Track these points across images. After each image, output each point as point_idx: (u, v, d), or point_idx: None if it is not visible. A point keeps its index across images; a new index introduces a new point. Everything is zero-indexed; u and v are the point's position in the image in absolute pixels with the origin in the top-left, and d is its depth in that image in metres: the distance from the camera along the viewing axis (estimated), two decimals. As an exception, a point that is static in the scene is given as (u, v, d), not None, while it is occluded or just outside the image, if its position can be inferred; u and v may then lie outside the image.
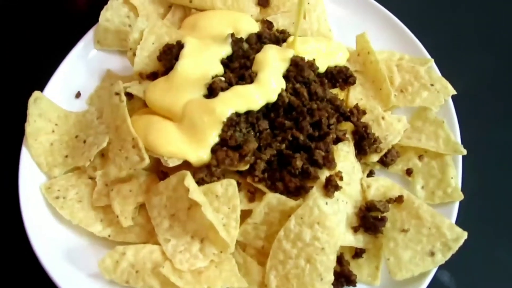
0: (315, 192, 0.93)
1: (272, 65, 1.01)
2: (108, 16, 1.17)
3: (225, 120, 0.94)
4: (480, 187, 1.09)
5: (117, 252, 0.89)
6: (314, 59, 1.06)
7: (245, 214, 0.94)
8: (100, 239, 0.96)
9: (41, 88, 1.10)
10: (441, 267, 0.93)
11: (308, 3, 1.25)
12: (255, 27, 1.15)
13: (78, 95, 1.14)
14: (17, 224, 0.95)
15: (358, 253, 0.97)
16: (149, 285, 0.88)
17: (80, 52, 1.17)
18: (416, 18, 1.25)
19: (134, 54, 1.09)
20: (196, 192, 0.87)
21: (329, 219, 0.89)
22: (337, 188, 0.93)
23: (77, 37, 1.18)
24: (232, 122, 0.95)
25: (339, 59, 1.14)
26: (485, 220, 1.08)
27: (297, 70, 1.02)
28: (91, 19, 1.19)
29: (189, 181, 0.87)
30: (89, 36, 1.18)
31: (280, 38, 1.13)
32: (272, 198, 0.93)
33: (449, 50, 1.25)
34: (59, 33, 1.30)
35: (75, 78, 1.15)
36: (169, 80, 1.01)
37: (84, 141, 1.04)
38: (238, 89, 0.97)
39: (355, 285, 0.93)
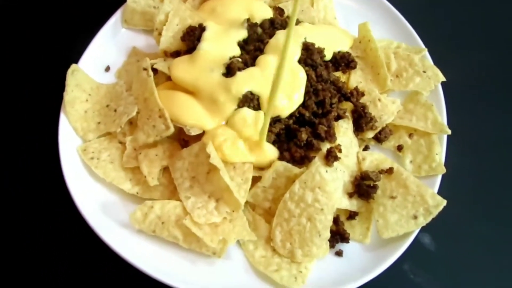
0: (317, 161, 1.05)
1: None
2: (135, -3, 1.29)
3: (240, 97, 1.07)
4: (461, 163, 1.19)
5: (146, 206, 1.02)
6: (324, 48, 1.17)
7: (256, 179, 1.06)
8: (129, 195, 1.08)
9: (75, 61, 1.20)
10: (424, 231, 1.04)
11: (317, -8, 1.36)
12: (269, 13, 1.25)
13: (107, 69, 1.25)
14: (59, 182, 1.07)
15: (352, 215, 1.09)
16: (173, 235, 1.01)
17: (110, 30, 1.27)
18: (414, 11, 1.34)
19: (160, 34, 1.20)
20: (216, 158, 1.00)
21: (328, 185, 1.02)
22: (336, 158, 1.05)
23: (106, 16, 1.28)
24: (247, 99, 1.07)
25: (343, 46, 1.25)
26: (464, 192, 1.20)
27: (308, 54, 1.14)
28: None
29: (211, 148, 1.01)
30: (117, 15, 1.28)
31: (290, 24, 1.24)
32: (280, 166, 1.05)
33: (442, 41, 1.35)
34: (90, 11, 1.40)
35: (105, 54, 1.25)
36: (193, 59, 1.12)
37: (115, 110, 1.15)
38: (253, 71, 1.09)
39: (348, 242, 1.06)
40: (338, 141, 1.10)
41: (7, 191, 1.20)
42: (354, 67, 1.25)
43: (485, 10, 1.50)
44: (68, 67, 1.18)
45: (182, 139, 1.12)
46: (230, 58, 1.13)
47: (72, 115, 1.14)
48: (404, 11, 1.35)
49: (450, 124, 1.18)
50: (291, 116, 1.10)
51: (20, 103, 1.30)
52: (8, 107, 1.30)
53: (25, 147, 1.24)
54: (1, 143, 1.26)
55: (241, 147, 1.05)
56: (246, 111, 1.06)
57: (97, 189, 1.09)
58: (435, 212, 1.04)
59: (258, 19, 1.23)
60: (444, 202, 1.05)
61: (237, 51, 1.15)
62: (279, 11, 1.31)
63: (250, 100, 1.07)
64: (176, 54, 1.21)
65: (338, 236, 1.07)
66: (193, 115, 1.08)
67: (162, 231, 1.02)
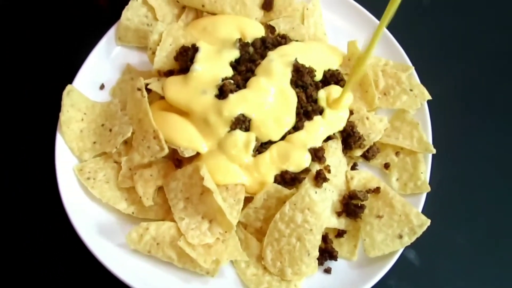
0: (307, 183, 1.08)
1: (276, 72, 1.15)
2: (129, 15, 1.29)
3: (233, 119, 1.10)
4: (447, 182, 1.25)
5: (142, 227, 1.05)
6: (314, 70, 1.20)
7: (248, 200, 1.10)
8: (125, 215, 1.11)
9: (69, 79, 1.22)
10: (408, 247, 1.08)
11: (307, 9, 1.39)
12: (260, 31, 1.27)
13: (102, 87, 1.27)
14: (56, 202, 1.10)
15: (340, 233, 1.13)
16: (168, 255, 1.04)
17: (103, 47, 1.29)
18: (402, 28, 1.36)
19: (153, 53, 1.22)
20: (209, 180, 1.04)
21: (317, 206, 1.06)
22: (325, 180, 1.09)
23: (99, 33, 1.30)
24: (239, 121, 1.10)
25: (333, 64, 1.28)
26: (447, 209, 1.24)
27: (298, 76, 1.17)
28: (111, 16, 1.31)
29: (204, 171, 1.04)
30: (111, 33, 1.30)
31: (282, 43, 1.26)
32: (271, 187, 1.09)
33: (428, 59, 1.38)
34: (82, 29, 1.41)
35: (99, 71, 1.27)
36: (186, 80, 1.15)
37: (110, 130, 1.18)
38: (245, 94, 1.11)
39: (336, 260, 1.10)
40: (327, 162, 1.13)
41: (3, 205, 1.22)
42: (343, 85, 1.28)
43: (471, 26, 1.54)
44: (62, 84, 1.20)
45: (176, 159, 1.15)
46: (223, 79, 1.15)
47: (68, 135, 1.17)
48: (392, 28, 1.36)
49: (434, 142, 1.21)
50: (282, 138, 1.13)
51: (15, 121, 1.33)
52: (4, 125, 1.33)
53: (22, 164, 1.27)
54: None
55: (232, 170, 1.08)
56: (238, 134, 1.09)
57: (93, 208, 1.12)
58: (419, 232, 1.08)
59: (249, 37, 1.25)
60: (428, 222, 1.09)
61: (229, 72, 1.17)
62: (270, 29, 1.33)
63: (242, 122, 1.10)
64: (169, 73, 1.23)
65: (326, 253, 1.11)
66: (186, 136, 1.11)
67: (157, 252, 1.05)
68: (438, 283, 1.20)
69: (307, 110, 1.16)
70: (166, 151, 1.09)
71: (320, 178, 1.09)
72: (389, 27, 1.36)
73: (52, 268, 1.16)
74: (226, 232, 1.06)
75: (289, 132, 1.12)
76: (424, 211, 1.12)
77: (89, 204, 1.12)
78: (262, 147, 1.12)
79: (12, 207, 1.22)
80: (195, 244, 1.03)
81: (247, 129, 1.11)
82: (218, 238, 1.05)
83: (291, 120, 1.12)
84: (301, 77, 1.17)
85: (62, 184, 1.11)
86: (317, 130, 1.13)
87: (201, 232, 1.05)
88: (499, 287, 1.22)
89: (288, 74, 1.16)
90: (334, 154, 1.16)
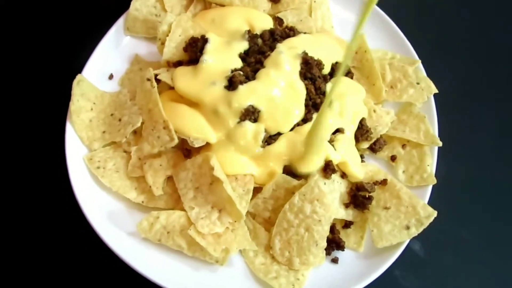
0: (316, 174, 1.09)
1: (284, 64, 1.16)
2: (137, 6, 1.29)
3: (242, 110, 1.10)
4: (452, 175, 1.26)
5: (152, 216, 1.06)
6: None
7: (257, 190, 1.11)
8: (135, 203, 1.12)
9: (79, 69, 1.22)
10: (413, 238, 1.09)
11: (315, 1, 1.39)
12: (269, 23, 1.28)
13: (111, 76, 1.27)
14: (66, 191, 1.10)
15: (347, 224, 1.14)
16: (178, 244, 1.05)
17: (112, 37, 1.29)
18: (409, 22, 1.39)
19: (163, 44, 1.22)
20: (219, 170, 1.05)
21: (326, 197, 1.07)
22: (334, 171, 1.10)
23: (108, 24, 1.30)
24: (248, 113, 1.11)
25: (340, 57, 1.28)
26: (452, 202, 1.26)
27: (307, 68, 1.18)
28: (119, 7, 1.31)
29: (214, 161, 1.05)
30: (119, 23, 1.30)
31: (290, 35, 1.27)
32: (280, 178, 1.10)
33: (435, 53, 1.40)
34: (91, 19, 1.42)
35: (108, 61, 1.27)
36: (195, 72, 1.15)
37: (120, 120, 1.18)
38: (254, 85, 1.12)
39: (343, 250, 1.12)
40: (338, 153, 1.13)
41: (14, 196, 1.23)
42: (351, 78, 1.29)
43: (478, 21, 1.55)
44: (71, 74, 1.20)
45: (185, 148, 1.16)
46: (232, 71, 1.15)
47: (78, 124, 1.17)
48: (400, 22, 1.38)
49: (440, 135, 1.23)
50: (291, 130, 1.14)
51: (25, 111, 1.33)
52: (14, 116, 1.33)
53: (32, 153, 1.28)
54: (9, 151, 1.29)
55: (241, 160, 1.09)
56: (248, 125, 1.10)
57: (103, 197, 1.13)
58: (426, 223, 1.10)
59: (258, 29, 1.26)
60: (434, 213, 1.10)
61: (238, 64, 1.17)
62: (278, 21, 1.34)
63: (251, 113, 1.11)
64: (178, 64, 1.24)
65: (334, 244, 1.12)
66: (196, 127, 1.11)
67: (168, 240, 1.06)
68: (442, 274, 1.21)
69: (316, 102, 1.17)
70: (176, 141, 1.10)
71: (329, 169, 1.10)
72: (395, 21, 1.38)
73: (64, 256, 1.17)
74: (235, 221, 1.07)
75: (298, 124, 1.13)
76: (429, 204, 1.14)
77: (100, 193, 1.13)
78: (271, 138, 1.12)
79: (23, 196, 1.23)
80: (205, 233, 1.04)
81: (256, 120, 1.12)
82: (228, 228, 1.06)
83: (300, 112, 1.13)
84: (310, 69, 1.18)
85: (73, 173, 1.11)
86: (325, 122, 1.14)
87: (211, 221, 1.06)
88: (503, 280, 1.23)
89: (297, 66, 1.16)
90: (344, 146, 1.16)
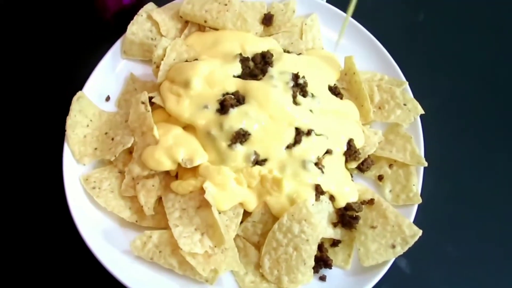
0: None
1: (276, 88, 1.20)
2: (134, 30, 1.33)
3: (234, 134, 1.14)
4: (438, 193, 1.30)
5: (145, 235, 1.10)
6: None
7: (247, 214, 1.15)
8: (129, 222, 1.16)
9: (76, 87, 1.26)
10: (399, 256, 1.12)
11: (306, 24, 1.44)
12: (261, 46, 1.31)
13: (108, 98, 1.31)
14: (63, 210, 1.14)
15: (335, 243, 1.17)
16: (169, 263, 1.08)
17: (109, 61, 1.33)
18: (396, 44, 1.42)
19: (158, 67, 1.26)
20: (210, 195, 1.09)
21: (314, 217, 1.10)
22: (322, 193, 1.14)
23: (104, 47, 1.34)
24: (239, 136, 1.14)
25: (331, 80, 1.33)
26: (437, 220, 1.29)
27: (298, 91, 1.21)
28: (115, 31, 1.36)
29: (207, 184, 1.09)
30: (116, 46, 1.34)
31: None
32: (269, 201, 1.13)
33: (422, 74, 1.43)
34: (89, 43, 1.46)
35: (105, 84, 1.31)
36: (188, 95, 1.19)
37: (112, 139, 1.22)
38: (245, 109, 1.16)
39: (330, 268, 1.15)
40: (327, 175, 1.17)
41: (10, 208, 1.27)
42: (341, 99, 1.32)
43: (464, 41, 1.59)
44: (69, 94, 1.25)
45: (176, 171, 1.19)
46: (224, 94, 1.19)
47: (71, 138, 1.21)
48: (387, 44, 1.42)
49: (426, 155, 1.26)
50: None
51: (22, 127, 1.37)
52: (11, 131, 1.37)
53: (30, 168, 1.31)
54: (5, 163, 1.32)
55: (232, 192, 1.13)
56: (238, 147, 1.14)
57: (98, 214, 1.17)
58: (411, 242, 1.13)
59: (249, 52, 1.30)
60: (419, 233, 1.13)
61: (230, 88, 1.21)
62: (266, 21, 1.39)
63: (242, 136, 1.14)
64: (172, 86, 1.27)
65: (321, 262, 1.15)
66: (188, 150, 1.15)
67: (159, 259, 1.10)
68: (428, 290, 1.25)
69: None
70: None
71: (317, 192, 1.13)
72: (384, 43, 1.42)
73: (58, 273, 1.20)
74: (215, 246, 1.09)
75: (288, 146, 1.17)
76: (415, 222, 1.17)
77: (94, 211, 1.17)
78: (262, 160, 1.16)
79: (19, 210, 1.26)
80: (186, 251, 1.07)
81: (247, 143, 1.15)
82: (214, 248, 1.09)
83: (291, 135, 1.17)
84: (301, 91, 1.22)
85: (69, 191, 1.15)
86: (316, 144, 1.17)
87: (192, 242, 1.08)
88: (488, 296, 1.27)
89: (288, 90, 1.20)
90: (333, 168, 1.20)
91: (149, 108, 1.17)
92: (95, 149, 1.22)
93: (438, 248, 1.28)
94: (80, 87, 1.28)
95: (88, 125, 1.24)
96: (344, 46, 1.42)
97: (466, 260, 1.29)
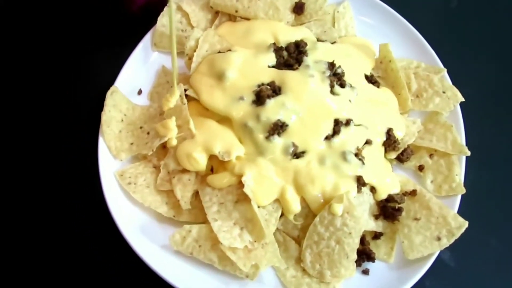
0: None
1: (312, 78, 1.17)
2: (164, 21, 1.31)
3: (271, 125, 1.11)
4: (480, 183, 1.26)
5: (184, 230, 1.08)
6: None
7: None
8: (166, 217, 1.14)
9: (107, 82, 1.25)
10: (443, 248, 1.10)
11: (338, 12, 1.40)
12: (293, 35, 1.28)
13: (140, 92, 1.29)
14: (101, 205, 1.13)
15: (377, 235, 1.14)
16: (209, 258, 1.07)
17: (140, 53, 1.31)
18: (432, 31, 1.39)
19: (190, 59, 1.24)
20: (249, 188, 1.06)
21: (356, 210, 1.07)
22: (364, 184, 1.11)
23: (132, 39, 1.32)
24: (277, 127, 1.11)
25: (367, 69, 1.30)
26: (481, 211, 1.24)
27: (336, 79, 1.19)
28: (142, 23, 1.34)
29: (247, 177, 1.07)
30: (147, 39, 1.32)
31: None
32: (310, 194, 1.10)
33: (460, 61, 1.39)
34: (116, 35, 1.44)
35: (136, 77, 1.29)
36: (222, 87, 1.17)
37: (148, 133, 1.20)
38: (282, 100, 1.13)
39: (374, 261, 1.12)
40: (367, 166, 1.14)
41: (48, 208, 1.26)
42: (378, 87, 1.29)
43: (499, 25, 1.54)
44: (101, 88, 1.24)
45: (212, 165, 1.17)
46: (259, 85, 1.17)
47: (107, 134, 1.19)
48: (424, 30, 1.38)
49: (468, 144, 1.22)
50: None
51: (56, 125, 1.36)
52: (48, 128, 1.36)
53: (66, 166, 1.30)
54: (41, 163, 1.31)
55: (271, 185, 1.10)
56: (276, 139, 1.11)
57: (135, 210, 1.15)
58: (457, 234, 1.10)
59: (283, 42, 1.27)
60: (466, 224, 1.10)
61: (265, 78, 1.18)
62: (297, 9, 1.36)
63: (280, 128, 1.12)
64: (205, 79, 1.25)
65: (364, 255, 1.12)
66: (224, 142, 1.12)
67: (199, 254, 1.08)
68: (472, 284, 1.21)
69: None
70: (202, 164, 1.13)
71: (359, 184, 1.10)
72: (419, 29, 1.38)
73: (98, 270, 1.19)
74: (255, 241, 1.07)
75: (327, 138, 1.13)
76: (458, 213, 1.14)
77: (132, 206, 1.15)
78: (300, 152, 1.13)
79: (58, 209, 1.25)
80: (226, 245, 1.05)
81: (284, 135, 1.12)
82: (255, 242, 1.07)
83: (329, 126, 1.14)
84: (338, 81, 1.19)
85: (106, 187, 1.14)
86: (355, 134, 1.14)
87: (232, 236, 1.06)
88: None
89: (325, 80, 1.17)
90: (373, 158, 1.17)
91: (185, 101, 1.15)
92: (131, 144, 1.21)
93: (482, 241, 1.25)
94: (110, 81, 1.27)
95: (122, 120, 1.22)
96: (378, 33, 1.38)
97: (511, 252, 1.24)
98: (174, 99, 1.13)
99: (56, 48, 1.46)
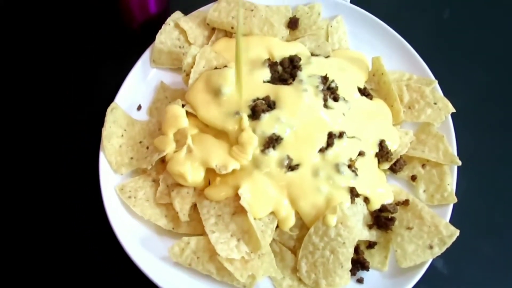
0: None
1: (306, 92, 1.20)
2: (162, 39, 1.35)
3: (266, 139, 1.14)
4: (471, 192, 1.28)
5: (183, 242, 1.11)
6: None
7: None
8: (166, 230, 1.17)
9: (107, 98, 1.29)
10: (436, 256, 1.12)
11: (331, 26, 1.44)
12: (288, 51, 1.31)
13: (139, 107, 1.33)
14: (101, 205, 1.17)
15: (371, 244, 1.17)
16: (207, 269, 1.10)
17: (139, 70, 1.34)
18: (423, 42, 1.42)
19: (188, 75, 1.28)
20: (245, 201, 1.10)
21: (350, 220, 1.10)
22: (357, 195, 1.14)
23: (132, 56, 1.36)
24: (272, 140, 1.14)
25: (360, 82, 1.33)
26: (473, 219, 1.27)
27: (329, 94, 1.22)
28: (141, 40, 1.38)
29: (244, 190, 1.10)
30: (145, 56, 1.36)
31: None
32: (305, 205, 1.14)
33: (451, 72, 1.41)
34: (116, 52, 1.48)
35: (136, 93, 1.33)
36: (218, 102, 1.21)
37: (147, 147, 1.24)
38: (277, 114, 1.17)
39: (368, 270, 1.14)
40: (360, 177, 1.17)
41: (49, 219, 1.29)
42: (370, 99, 1.32)
43: (491, 37, 1.57)
44: (101, 104, 1.28)
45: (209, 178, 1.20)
46: (254, 100, 1.20)
47: (108, 149, 1.23)
48: (411, 40, 1.41)
49: (459, 154, 1.25)
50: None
51: (56, 139, 1.39)
52: (44, 143, 1.39)
53: (66, 179, 1.33)
54: (41, 163, 1.34)
55: (266, 197, 1.13)
56: (271, 152, 1.14)
57: (135, 222, 1.19)
58: (449, 242, 1.12)
59: (277, 57, 1.30)
60: (457, 232, 1.13)
61: (260, 93, 1.22)
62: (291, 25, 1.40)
63: (275, 141, 1.15)
64: (202, 93, 1.28)
65: (358, 264, 1.15)
66: (221, 157, 1.16)
67: (198, 265, 1.11)
68: (467, 291, 1.23)
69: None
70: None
71: (352, 195, 1.13)
72: (411, 40, 1.41)
73: (98, 282, 1.22)
74: (251, 252, 1.10)
75: (321, 150, 1.17)
76: (451, 222, 1.16)
77: (131, 219, 1.18)
78: (295, 165, 1.16)
79: (58, 208, 1.29)
80: (223, 256, 1.08)
81: (279, 148, 1.16)
82: (251, 253, 1.10)
83: (323, 139, 1.17)
84: (331, 95, 1.22)
85: (107, 200, 1.17)
86: (348, 146, 1.18)
87: (229, 248, 1.09)
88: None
89: (319, 94, 1.20)
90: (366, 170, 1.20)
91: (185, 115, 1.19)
92: (131, 158, 1.24)
93: (475, 248, 1.27)
94: (110, 97, 1.31)
95: (122, 135, 1.25)
96: (371, 46, 1.41)
97: (504, 260, 1.27)
98: None
99: (56, 48, 1.50)
